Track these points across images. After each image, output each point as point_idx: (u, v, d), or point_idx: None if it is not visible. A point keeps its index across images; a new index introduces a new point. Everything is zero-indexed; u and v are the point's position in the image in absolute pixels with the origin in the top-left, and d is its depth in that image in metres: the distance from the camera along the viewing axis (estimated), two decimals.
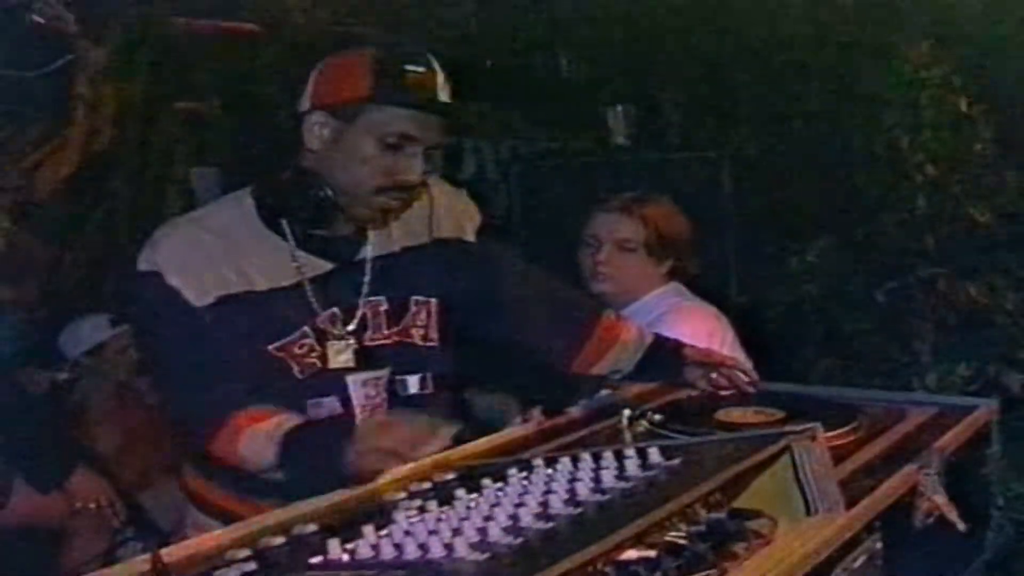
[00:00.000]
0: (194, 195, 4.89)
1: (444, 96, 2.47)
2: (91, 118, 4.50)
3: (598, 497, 1.71)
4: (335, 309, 2.52)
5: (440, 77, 2.46)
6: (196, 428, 2.48)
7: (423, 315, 2.62)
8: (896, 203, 4.49)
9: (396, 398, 2.57)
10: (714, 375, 2.74)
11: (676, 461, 1.89)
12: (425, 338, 2.62)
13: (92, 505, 3.81)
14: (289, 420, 2.34)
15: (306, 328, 2.49)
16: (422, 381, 2.62)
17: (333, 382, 2.51)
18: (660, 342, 2.85)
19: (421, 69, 2.44)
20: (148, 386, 4.17)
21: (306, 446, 2.27)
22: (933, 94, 4.36)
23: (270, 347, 2.46)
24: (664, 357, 2.81)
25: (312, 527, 1.76)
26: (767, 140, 4.85)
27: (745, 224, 4.70)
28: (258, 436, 2.32)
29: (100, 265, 4.73)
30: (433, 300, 2.64)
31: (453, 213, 2.72)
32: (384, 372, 2.56)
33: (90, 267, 4.78)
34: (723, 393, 2.71)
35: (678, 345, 2.84)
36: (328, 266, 2.54)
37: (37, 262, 4.60)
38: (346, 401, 2.52)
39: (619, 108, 5.19)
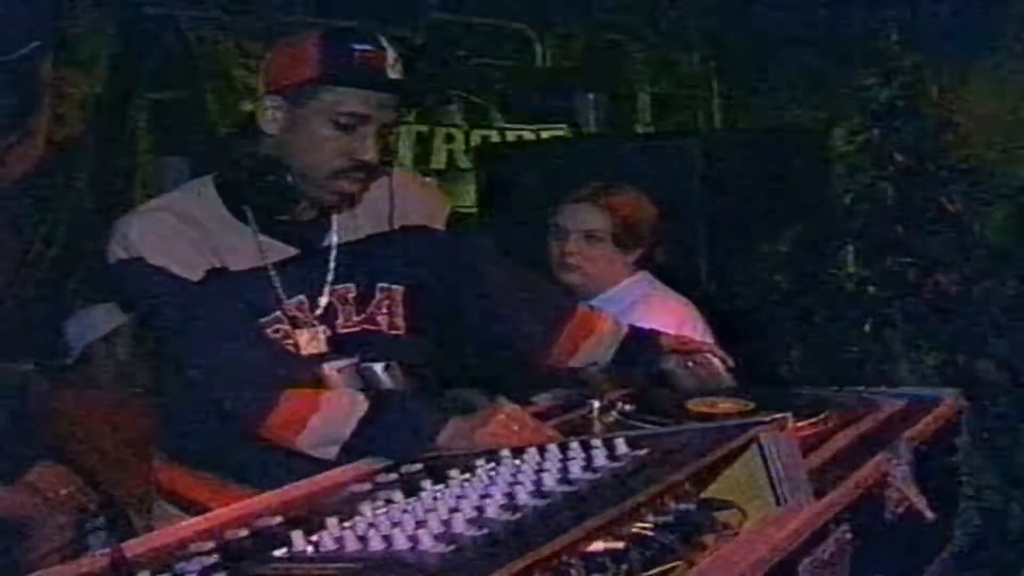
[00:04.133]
0: (161, 185, 4.85)
1: (394, 74, 2.44)
2: (57, 105, 4.46)
3: (565, 488, 1.69)
4: (302, 296, 2.51)
5: (390, 54, 2.44)
6: (248, 402, 2.41)
7: (388, 302, 2.60)
8: (867, 192, 4.49)
9: (368, 387, 2.55)
10: (690, 363, 2.73)
11: (644, 452, 1.87)
12: (391, 326, 2.61)
13: (51, 495, 3.77)
14: (362, 397, 2.37)
15: (278, 313, 2.48)
16: (388, 369, 2.60)
17: (310, 369, 2.48)
18: (635, 332, 2.83)
19: (369, 47, 2.42)
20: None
21: (387, 424, 2.29)
22: (904, 82, 4.36)
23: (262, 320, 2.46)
24: (640, 347, 2.80)
25: (277, 519, 1.74)
26: (738, 128, 4.84)
27: (716, 213, 4.69)
28: (336, 412, 2.33)
29: (69, 256, 4.68)
30: (399, 287, 2.62)
31: (420, 201, 2.70)
32: (354, 360, 2.54)
33: (59, 258, 4.72)
34: (698, 379, 2.69)
35: (653, 334, 2.82)
36: (292, 251, 2.52)
37: (5, 252, 4.54)
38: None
39: (590, 96, 5.19)
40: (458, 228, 2.79)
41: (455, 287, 2.70)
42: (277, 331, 2.48)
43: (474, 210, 5.31)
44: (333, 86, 2.41)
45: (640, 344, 2.81)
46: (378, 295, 2.59)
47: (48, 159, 4.48)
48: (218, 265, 2.44)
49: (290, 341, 2.48)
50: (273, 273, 2.48)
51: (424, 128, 5.63)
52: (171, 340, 2.54)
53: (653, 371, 2.76)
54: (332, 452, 2.32)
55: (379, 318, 2.59)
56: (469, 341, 2.84)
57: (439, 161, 5.73)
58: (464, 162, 5.71)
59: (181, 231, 2.43)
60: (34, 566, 3.55)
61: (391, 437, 2.26)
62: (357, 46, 2.41)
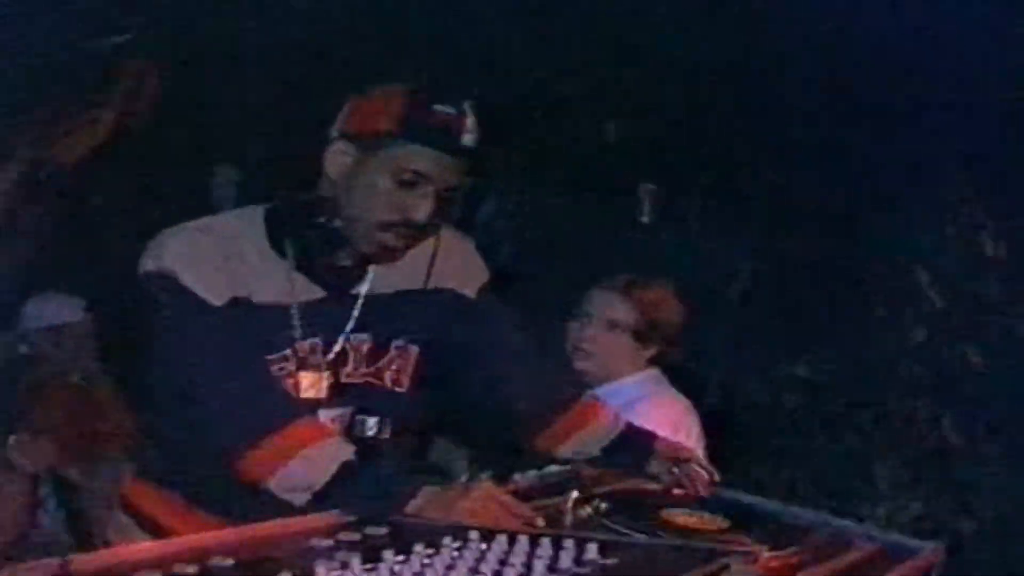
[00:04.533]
0: (211, 192, 4.88)
1: (469, 141, 2.46)
2: (128, 100, 4.50)
3: None
4: (317, 339, 2.52)
5: (469, 121, 2.46)
6: (236, 434, 2.39)
7: (400, 360, 2.62)
8: (897, 329, 4.46)
9: (354, 439, 2.54)
10: (676, 470, 2.71)
11: (611, 561, 1.85)
12: (396, 383, 2.62)
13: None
14: (350, 446, 2.35)
15: (287, 352, 2.49)
16: (380, 424, 2.60)
17: (302, 412, 2.47)
18: (631, 430, 2.83)
19: (450, 110, 2.45)
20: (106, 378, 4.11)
21: (367, 479, 2.27)
22: (960, 231, 4.33)
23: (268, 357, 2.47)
24: (632, 445, 2.78)
25: (229, 561, 1.72)
26: (786, 248, 4.80)
27: (746, 324, 4.69)
28: (321, 453, 2.31)
29: (95, 245, 4.70)
30: (414, 347, 2.63)
31: (457, 264, 2.71)
32: (348, 410, 2.56)
33: (83, 246, 4.74)
34: (677, 491, 2.67)
35: (649, 436, 2.81)
36: (321, 293, 2.54)
37: (37, 232, 4.56)
38: None
39: (650, 186, 5.17)
40: (487, 296, 2.79)
41: (468, 352, 2.70)
42: (282, 369, 2.49)
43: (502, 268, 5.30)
44: (405, 142, 2.43)
45: (633, 442, 2.79)
46: (392, 351, 2.61)
47: (105, 150, 4.51)
48: (243, 294, 2.45)
49: (291, 381, 2.49)
50: (295, 312, 2.50)
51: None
52: (178, 359, 2.51)
53: (638, 472, 2.75)
54: (302, 498, 2.30)
55: (385, 374, 2.61)
56: (469, 407, 2.82)
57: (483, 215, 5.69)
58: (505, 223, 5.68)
59: (215, 255, 2.46)
60: None
61: (363, 494, 2.24)
62: (439, 108, 2.44)
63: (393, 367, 2.61)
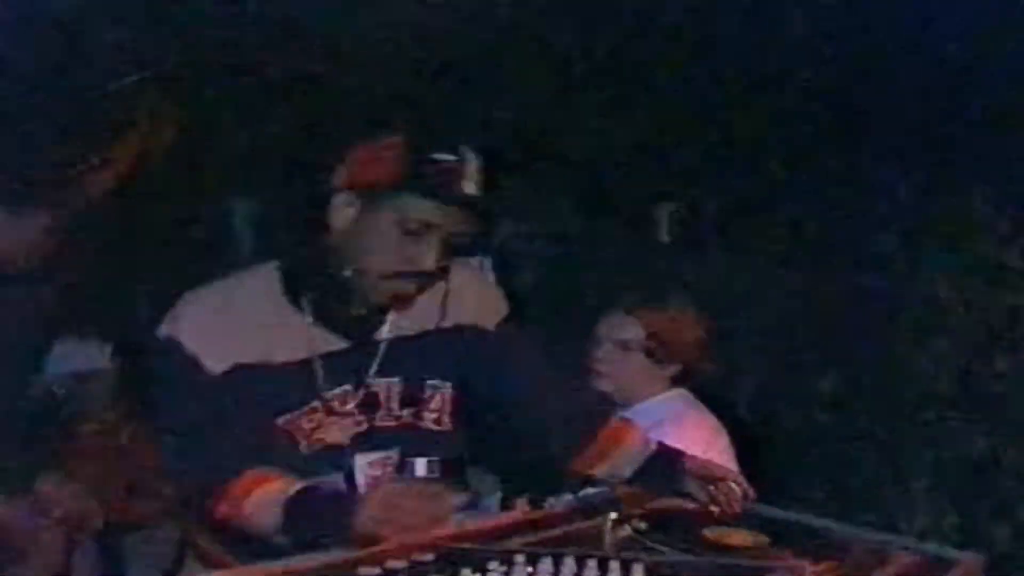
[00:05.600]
0: (232, 228, 4.91)
1: (472, 188, 2.46)
2: (143, 141, 4.53)
3: None
4: (347, 386, 2.54)
5: (471, 167, 2.46)
6: (203, 489, 2.45)
7: (438, 400, 2.64)
8: (922, 342, 4.45)
9: (403, 481, 2.56)
10: (712, 488, 2.72)
11: None
12: (438, 422, 2.64)
13: (56, 510, 3.76)
14: (296, 483, 2.34)
15: (316, 403, 2.51)
16: (430, 465, 2.61)
17: (339, 460, 2.52)
18: (662, 450, 2.82)
19: (451, 158, 2.44)
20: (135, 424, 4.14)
21: (311, 510, 2.28)
22: (986, 251, 4.32)
23: (280, 420, 2.48)
24: (664, 466, 2.78)
25: None
26: (810, 266, 4.79)
27: (773, 341, 4.68)
28: (265, 497, 2.33)
29: (119, 290, 4.71)
30: (448, 385, 2.65)
31: (473, 298, 2.72)
32: (393, 453, 2.57)
33: (100, 287, 4.75)
34: (714, 509, 2.68)
35: (679, 455, 2.81)
36: (343, 343, 2.55)
37: (53, 275, 4.58)
38: (350, 479, 2.52)
39: (669, 205, 5.17)
40: (507, 327, 2.79)
41: (496, 386, 2.71)
42: (311, 420, 2.51)
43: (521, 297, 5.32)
44: (408, 192, 2.44)
45: (664, 463, 2.79)
46: (427, 391, 2.62)
47: (124, 190, 4.54)
48: (255, 359, 2.48)
49: (322, 430, 2.51)
50: (319, 364, 2.51)
51: None
52: (167, 423, 2.59)
53: (673, 491, 2.76)
54: (281, 539, 2.32)
55: (426, 414, 2.62)
56: (502, 437, 2.84)
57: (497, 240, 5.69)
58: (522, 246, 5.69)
59: (226, 320, 2.49)
60: None
61: (313, 520, 2.27)
62: (439, 156, 2.44)
63: (432, 407, 2.63)
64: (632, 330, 3.45)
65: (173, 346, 2.47)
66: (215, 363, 2.44)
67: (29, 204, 3.58)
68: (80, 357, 4.41)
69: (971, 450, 4.27)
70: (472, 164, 2.46)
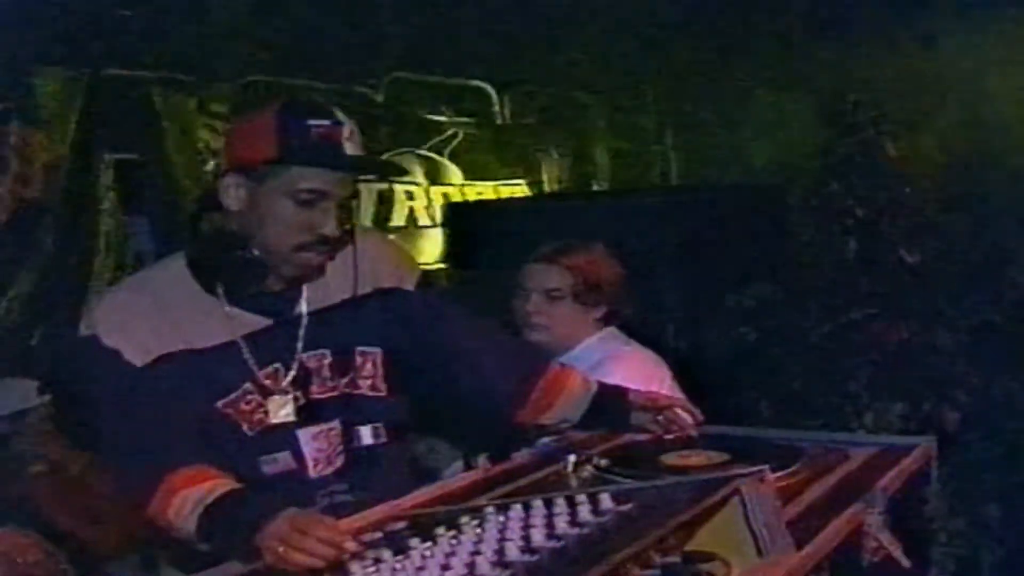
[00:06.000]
0: (127, 245, 4.83)
1: (351, 148, 2.45)
2: (23, 167, 4.45)
3: (553, 544, 1.71)
4: (277, 364, 2.51)
5: (346, 129, 2.44)
6: (136, 489, 2.39)
7: (369, 366, 2.62)
8: (828, 246, 4.54)
9: (350, 450, 2.56)
10: (660, 417, 2.75)
11: (628, 506, 1.90)
12: (374, 388, 2.62)
13: (22, 561, 3.73)
14: (224, 487, 2.26)
15: (248, 384, 2.48)
16: (375, 431, 2.60)
17: (284, 437, 2.49)
18: (605, 389, 2.85)
19: (325, 123, 2.43)
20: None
21: (225, 520, 2.20)
22: (863, 138, 4.42)
23: (218, 403, 2.45)
24: (610, 404, 2.80)
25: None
26: (704, 185, 4.88)
27: (682, 268, 4.73)
28: (188, 500, 2.26)
29: (30, 321, 4.64)
30: (378, 350, 2.63)
31: (390, 262, 2.72)
32: (334, 424, 2.55)
33: (19, 324, 4.68)
34: (668, 437, 2.72)
35: (623, 391, 2.84)
36: (266, 322, 2.52)
37: None
38: (297, 455, 2.49)
39: (554, 153, 5.22)
40: (428, 288, 2.80)
41: (429, 347, 2.70)
42: (249, 402, 2.48)
43: (438, 267, 5.34)
44: (290, 164, 2.41)
45: (610, 401, 2.81)
46: (358, 359, 2.60)
47: (13, 221, 4.46)
48: (178, 347, 2.43)
49: (262, 410, 2.48)
50: (244, 345, 2.48)
51: (385, 186, 5.65)
52: (97, 423, 2.50)
53: (623, 427, 2.78)
54: (203, 546, 2.26)
55: (361, 381, 2.60)
56: (442, 399, 2.83)
57: (400, 218, 5.75)
58: (424, 219, 5.74)
59: (144, 312, 2.44)
60: None
61: (224, 533, 2.20)
62: (313, 122, 2.42)
63: (365, 374, 2.61)
64: (557, 277, 3.46)
65: (93, 344, 2.41)
66: (137, 356, 2.40)
67: None
68: (9, 398, 4.34)
69: (901, 342, 4.36)
70: (348, 125, 2.45)
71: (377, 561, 1.73)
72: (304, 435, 2.51)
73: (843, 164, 4.49)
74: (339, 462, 2.53)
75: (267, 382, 2.49)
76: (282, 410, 2.50)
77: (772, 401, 4.54)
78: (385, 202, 5.63)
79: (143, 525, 2.49)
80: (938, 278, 4.45)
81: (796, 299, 4.62)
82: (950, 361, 4.30)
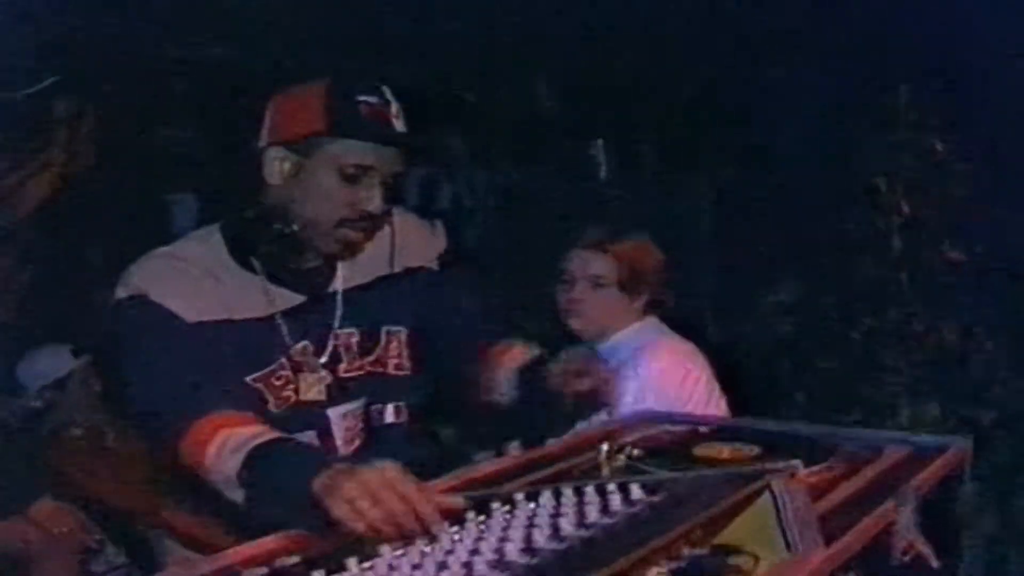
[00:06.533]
0: (171, 221, 4.88)
1: (399, 126, 2.46)
2: (72, 140, 4.50)
3: (582, 532, 1.72)
4: (307, 342, 2.51)
5: (394, 107, 2.45)
6: (167, 426, 2.33)
7: (395, 345, 2.62)
8: (872, 242, 4.51)
9: (372, 428, 2.57)
10: (580, 381, 2.48)
11: (658, 497, 1.90)
12: (399, 368, 2.62)
13: (57, 531, 3.78)
14: (269, 433, 2.23)
15: (283, 360, 2.48)
16: (397, 410, 2.62)
17: (309, 415, 2.49)
18: (526, 364, 2.65)
19: (375, 100, 2.43)
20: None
21: (274, 465, 2.16)
22: (909, 136, 4.39)
23: (248, 378, 2.44)
24: (530, 378, 2.61)
25: (295, 559, 1.75)
26: (747, 180, 4.86)
27: (723, 261, 4.73)
28: (231, 440, 2.21)
29: (73, 290, 4.69)
30: (404, 330, 2.63)
31: (419, 242, 2.72)
32: (360, 403, 2.56)
33: (62, 292, 4.74)
34: (703, 429, 2.70)
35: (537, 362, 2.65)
36: (299, 299, 2.53)
37: (12, 285, 4.56)
38: (324, 434, 2.50)
39: (600, 142, 5.21)
40: (450, 266, 2.77)
41: (444, 326, 2.69)
42: (280, 378, 2.48)
43: (475, 252, 5.35)
44: (339, 138, 2.41)
45: (529, 375, 2.62)
46: (384, 338, 2.61)
47: (61, 193, 4.51)
48: (219, 316, 2.42)
49: (291, 387, 2.48)
50: (280, 321, 2.49)
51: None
52: (135, 372, 2.45)
53: (545, 400, 2.57)
54: (235, 491, 2.22)
55: (387, 360, 2.61)
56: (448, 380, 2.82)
57: (444, 201, 5.75)
58: (470, 202, 5.74)
59: (188, 274, 2.44)
60: None
61: (273, 474, 2.16)
62: (362, 98, 2.42)
63: (391, 353, 2.61)
64: (603, 265, 3.47)
65: (141, 302, 2.38)
66: (188, 313, 2.38)
67: None
68: (48, 365, 4.39)
69: (940, 342, 4.33)
70: (395, 104, 2.46)
71: (405, 544, 1.74)
72: (334, 414, 2.52)
73: (889, 159, 4.46)
74: (358, 441, 2.54)
75: (300, 359, 2.50)
76: (313, 388, 2.51)
77: (808, 395, 4.52)
78: (430, 185, 5.64)
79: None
80: (982, 278, 4.41)
81: (837, 295, 4.60)
82: (989, 362, 4.27)
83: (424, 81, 4.66)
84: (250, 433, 2.23)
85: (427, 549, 1.71)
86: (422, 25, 4.85)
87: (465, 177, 5.71)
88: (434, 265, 2.73)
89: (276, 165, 2.46)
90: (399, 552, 1.70)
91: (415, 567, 1.61)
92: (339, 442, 2.52)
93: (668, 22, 4.68)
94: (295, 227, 2.46)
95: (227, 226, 2.55)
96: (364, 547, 1.75)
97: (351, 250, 2.55)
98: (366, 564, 1.66)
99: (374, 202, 2.45)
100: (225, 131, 4.84)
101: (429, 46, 4.91)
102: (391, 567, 1.63)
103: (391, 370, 2.62)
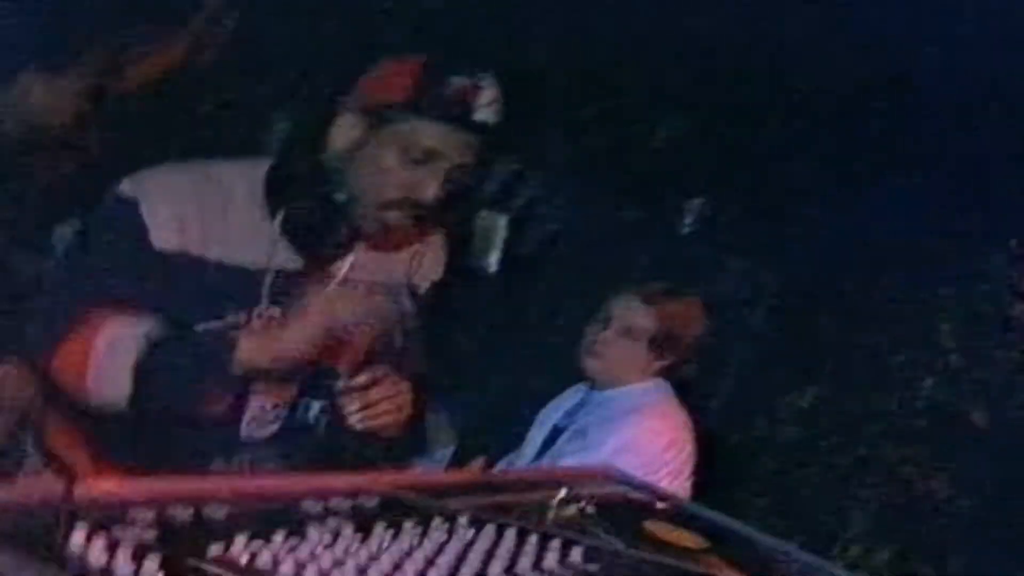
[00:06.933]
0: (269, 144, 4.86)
1: (485, 115, 2.34)
2: (201, 35, 4.50)
3: None
4: (278, 308, 2.43)
5: (488, 93, 2.34)
6: (63, 324, 2.28)
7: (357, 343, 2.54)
8: (907, 376, 4.44)
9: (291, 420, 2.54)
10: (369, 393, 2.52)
11: (593, 568, 1.87)
12: (351, 364, 2.56)
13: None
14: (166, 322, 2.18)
15: (243, 315, 2.40)
16: (319, 413, 2.57)
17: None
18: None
19: (466, 81, 2.33)
20: None
21: (183, 349, 2.14)
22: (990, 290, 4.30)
23: (200, 326, 2.36)
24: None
25: (224, 511, 1.71)
26: (812, 271, 4.77)
27: (758, 345, 4.68)
28: (125, 329, 2.17)
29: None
30: (366, 331, 2.54)
31: (429, 263, 2.68)
32: (290, 389, 2.51)
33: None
34: (660, 505, 2.67)
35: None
36: (298, 264, 2.45)
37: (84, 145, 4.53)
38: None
39: (696, 201, 5.14)
40: (432, 293, 2.72)
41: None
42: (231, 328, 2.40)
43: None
44: (415, 116, 2.33)
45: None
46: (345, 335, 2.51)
47: (169, 81, 4.51)
48: (210, 256, 2.36)
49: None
50: (269, 279, 2.41)
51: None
52: (75, 272, 2.45)
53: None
54: (122, 391, 2.18)
55: (340, 355, 2.54)
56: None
57: (521, 199, 5.60)
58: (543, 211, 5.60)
59: (196, 202, 2.36)
60: None
61: (184, 357, 2.15)
62: (456, 79, 2.32)
63: (349, 350, 2.53)
64: (646, 320, 3.43)
65: (128, 208, 2.32)
66: (161, 239, 2.31)
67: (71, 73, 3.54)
68: None
69: (926, 492, 4.28)
70: (489, 91, 2.34)
71: (336, 534, 1.70)
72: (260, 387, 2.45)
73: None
74: (275, 427, 2.49)
75: (255, 322, 2.41)
76: (248, 354, 2.36)
77: (774, 503, 4.48)
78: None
79: None
80: (998, 447, 4.32)
81: (847, 413, 4.54)
82: (951, 518, 4.22)
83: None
84: (149, 325, 2.19)
85: (352, 548, 1.67)
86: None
87: (548, 186, 5.58)
88: (422, 289, 2.67)
89: (346, 130, 2.40)
90: (326, 541, 1.67)
91: (336, 564, 1.57)
92: (249, 420, 2.46)
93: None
94: (342, 196, 2.38)
95: (276, 167, 2.47)
96: (294, 522, 1.71)
97: (388, 239, 2.48)
98: (291, 541, 1.62)
99: (430, 190, 2.35)
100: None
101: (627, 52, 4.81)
102: (312, 555, 1.59)
103: (342, 366, 2.53)
